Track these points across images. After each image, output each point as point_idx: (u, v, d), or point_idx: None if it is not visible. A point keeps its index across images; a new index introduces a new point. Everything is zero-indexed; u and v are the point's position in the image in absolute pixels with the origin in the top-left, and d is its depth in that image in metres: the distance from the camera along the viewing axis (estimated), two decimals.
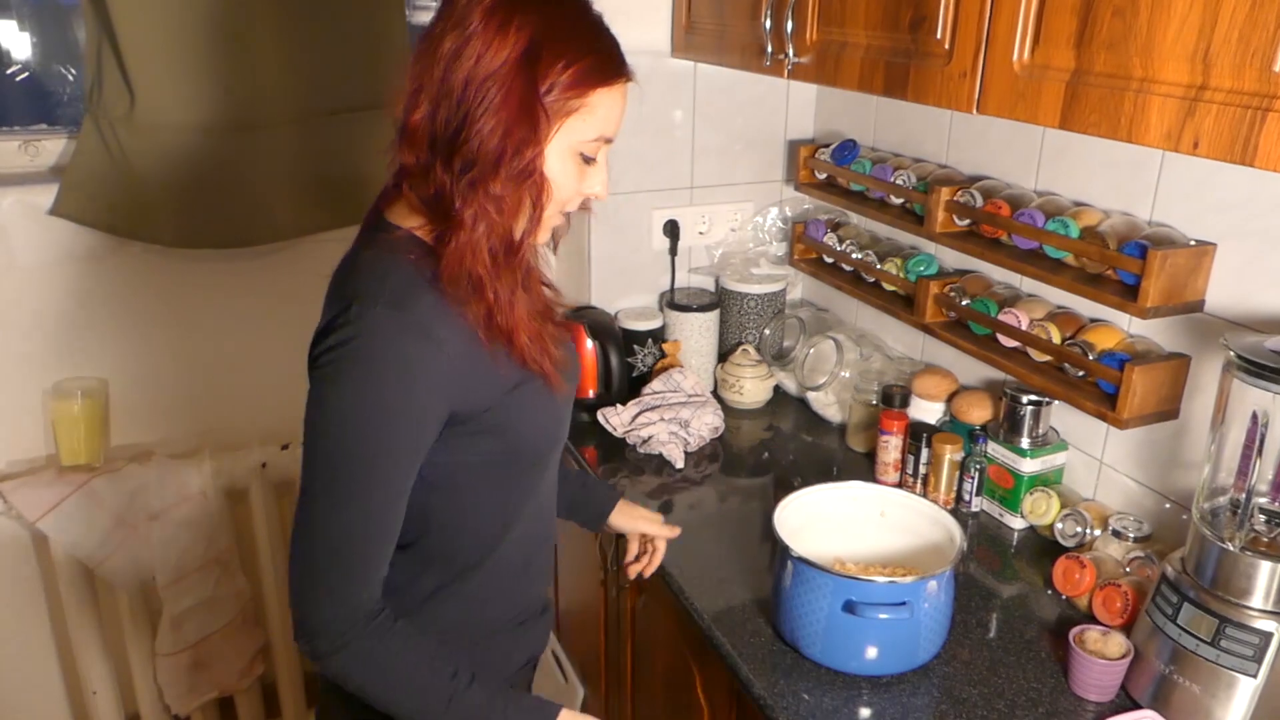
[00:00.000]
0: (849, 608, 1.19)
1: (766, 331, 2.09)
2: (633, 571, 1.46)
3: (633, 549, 1.47)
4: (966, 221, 1.62)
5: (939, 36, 1.25)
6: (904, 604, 1.19)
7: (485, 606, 1.14)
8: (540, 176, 0.97)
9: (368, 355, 0.93)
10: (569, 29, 0.96)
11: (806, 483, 1.42)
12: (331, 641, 0.98)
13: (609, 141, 1.03)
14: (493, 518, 1.10)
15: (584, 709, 2.02)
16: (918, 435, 1.65)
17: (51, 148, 1.92)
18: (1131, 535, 1.40)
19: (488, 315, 0.99)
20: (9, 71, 1.95)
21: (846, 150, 1.90)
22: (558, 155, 0.99)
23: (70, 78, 2.00)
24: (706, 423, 1.87)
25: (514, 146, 0.94)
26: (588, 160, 1.02)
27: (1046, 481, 1.57)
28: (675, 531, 1.46)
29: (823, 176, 1.99)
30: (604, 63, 0.98)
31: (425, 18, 2.18)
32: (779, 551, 1.28)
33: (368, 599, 0.99)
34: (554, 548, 1.27)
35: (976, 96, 1.21)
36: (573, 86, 0.96)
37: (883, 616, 1.19)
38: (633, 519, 1.44)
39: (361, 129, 1.97)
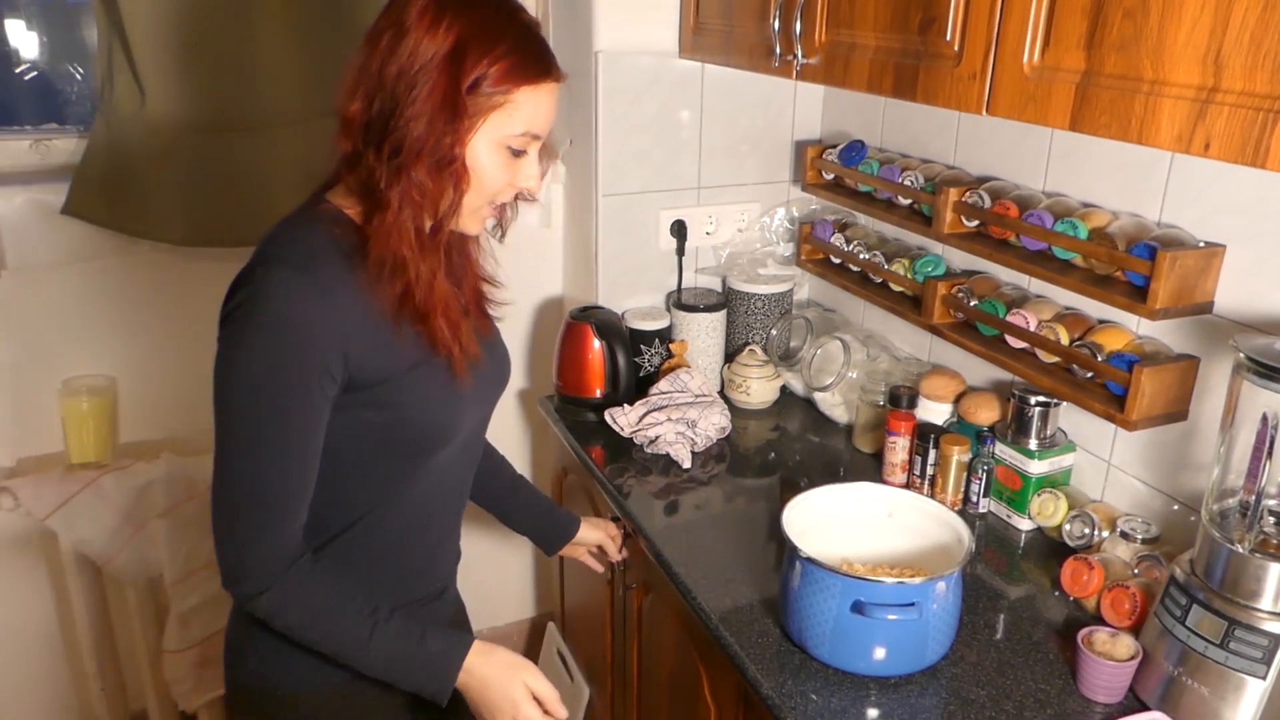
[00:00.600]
0: (857, 608, 1.19)
1: (773, 332, 2.09)
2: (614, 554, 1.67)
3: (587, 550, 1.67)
4: (974, 222, 1.62)
5: (948, 38, 1.25)
6: (912, 605, 1.19)
7: (354, 581, 1.14)
8: (460, 166, 1.04)
9: (269, 311, 0.99)
10: (497, 29, 1.03)
11: (813, 483, 1.42)
12: (256, 584, 1.05)
13: (537, 138, 1.09)
14: (361, 495, 1.14)
15: (589, 709, 2.03)
16: (925, 436, 1.65)
17: (62, 147, 1.93)
18: (1140, 537, 1.40)
19: (405, 294, 1.06)
20: (18, 71, 1.95)
21: (854, 151, 1.90)
22: (485, 148, 1.05)
23: (79, 77, 2.01)
24: (713, 423, 1.87)
25: (436, 136, 1.01)
26: (516, 154, 1.08)
27: (1054, 483, 1.57)
28: (619, 556, 1.67)
29: (830, 177, 1.99)
30: (529, 62, 1.04)
31: None
32: (787, 552, 1.28)
33: (288, 542, 1.06)
34: (453, 537, 1.31)
35: (986, 98, 1.21)
36: (497, 83, 1.02)
37: (891, 617, 1.19)
38: (596, 530, 1.63)
39: None
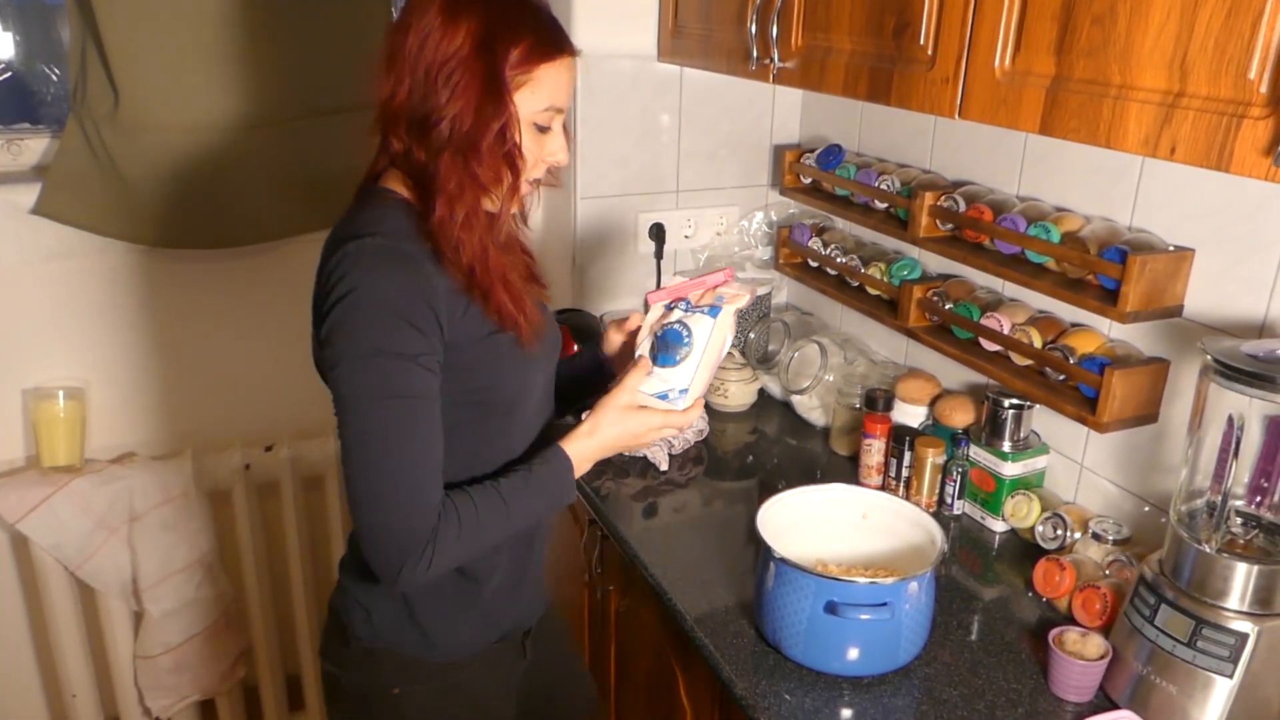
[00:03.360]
0: (831, 608, 1.20)
1: (751, 335, 2.10)
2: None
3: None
4: (949, 226, 1.63)
5: (922, 43, 1.26)
6: (885, 605, 1.20)
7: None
8: (515, 148, 1.09)
9: (373, 290, 1.03)
10: (514, 14, 1.09)
11: (790, 485, 1.42)
12: (417, 558, 1.06)
13: (560, 112, 1.15)
14: (457, 460, 1.15)
15: None
16: (900, 439, 1.66)
17: (34, 147, 1.91)
18: (1111, 538, 1.41)
19: (470, 273, 1.10)
20: None
21: (831, 155, 1.91)
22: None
23: (54, 77, 2.00)
24: (691, 425, 1.87)
25: (486, 123, 1.06)
26: (542, 130, 1.13)
27: (1028, 485, 1.58)
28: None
29: (808, 181, 2.00)
30: (545, 41, 1.10)
31: None
32: (762, 553, 1.28)
33: (436, 505, 1.08)
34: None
35: (959, 102, 1.22)
36: (520, 65, 1.08)
37: (864, 617, 1.20)
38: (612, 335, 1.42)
39: (346, 130, 1.96)
